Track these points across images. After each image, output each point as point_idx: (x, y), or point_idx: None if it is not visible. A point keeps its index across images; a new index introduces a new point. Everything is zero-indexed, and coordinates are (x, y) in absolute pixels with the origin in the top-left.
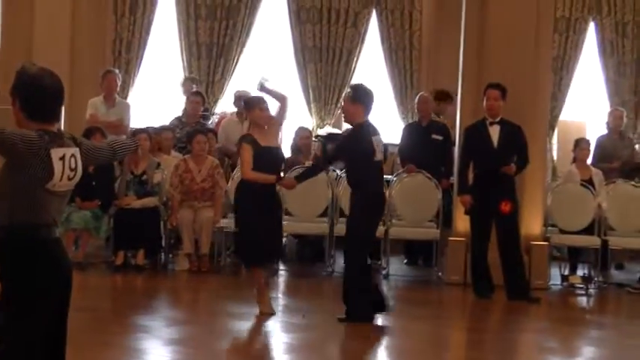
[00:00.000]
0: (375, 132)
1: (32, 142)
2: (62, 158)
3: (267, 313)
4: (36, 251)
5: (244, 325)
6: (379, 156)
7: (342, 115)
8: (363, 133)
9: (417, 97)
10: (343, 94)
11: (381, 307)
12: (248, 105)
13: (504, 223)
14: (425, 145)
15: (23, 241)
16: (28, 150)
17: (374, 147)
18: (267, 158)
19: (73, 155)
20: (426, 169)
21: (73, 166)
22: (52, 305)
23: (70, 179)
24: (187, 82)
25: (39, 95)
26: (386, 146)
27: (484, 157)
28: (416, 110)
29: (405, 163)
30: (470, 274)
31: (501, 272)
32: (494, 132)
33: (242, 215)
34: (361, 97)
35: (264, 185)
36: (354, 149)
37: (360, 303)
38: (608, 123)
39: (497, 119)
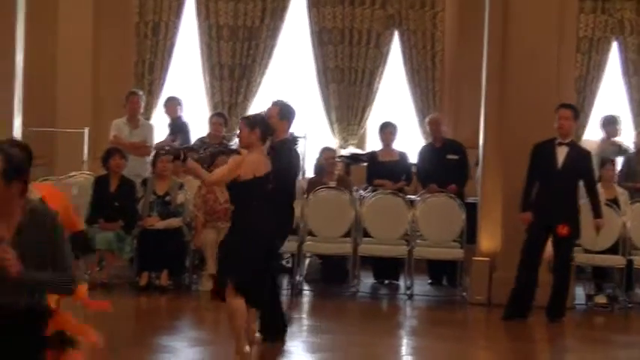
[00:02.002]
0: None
1: None
2: None
3: None
4: None
5: (269, 346)
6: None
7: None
8: (293, 149)
9: (428, 119)
10: (266, 109)
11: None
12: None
13: (559, 246)
14: (440, 166)
15: None
16: None
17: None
18: None
19: None
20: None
21: None
22: None
23: None
24: (214, 117)
25: None
26: (409, 166)
27: (547, 177)
28: (428, 132)
29: (424, 184)
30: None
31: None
32: (562, 153)
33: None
34: (289, 113)
35: None
36: (280, 166)
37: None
38: (635, 142)
39: (567, 140)
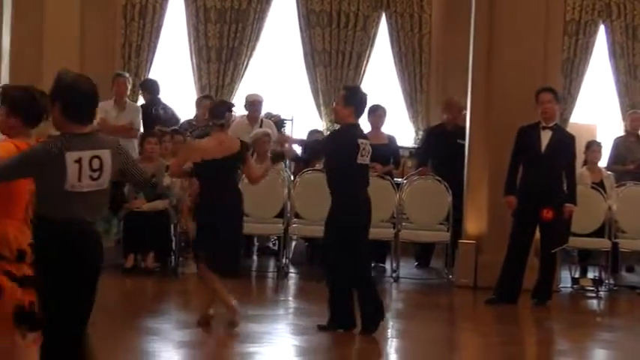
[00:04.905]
0: (362, 136)
1: (39, 156)
2: (78, 161)
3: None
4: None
5: (254, 328)
6: (364, 159)
7: (333, 114)
8: (349, 133)
9: (445, 101)
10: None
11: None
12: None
13: (546, 229)
14: (450, 150)
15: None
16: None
17: (359, 149)
18: None
19: (96, 157)
20: (451, 174)
21: (95, 167)
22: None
23: (93, 179)
24: (203, 100)
25: (77, 100)
26: (397, 150)
27: (531, 161)
28: (443, 114)
29: (421, 166)
30: (499, 274)
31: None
32: (545, 137)
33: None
34: (354, 99)
35: None
36: (336, 149)
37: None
38: (625, 125)
39: (552, 124)
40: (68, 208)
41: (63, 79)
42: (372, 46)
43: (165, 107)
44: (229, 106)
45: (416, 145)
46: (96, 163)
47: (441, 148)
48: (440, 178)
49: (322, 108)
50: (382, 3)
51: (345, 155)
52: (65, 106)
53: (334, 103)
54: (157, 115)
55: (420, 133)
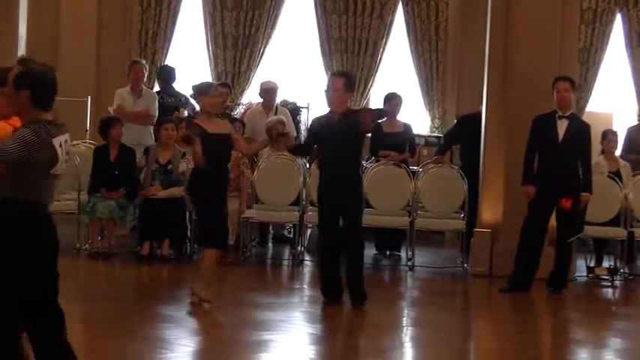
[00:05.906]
0: None
1: (33, 143)
2: (61, 145)
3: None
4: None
5: (269, 316)
6: None
7: (330, 101)
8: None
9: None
10: (331, 80)
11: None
12: (200, 91)
13: (563, 218)
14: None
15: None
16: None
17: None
18: (216, 144)
19: (66, 141)
20: (478, 164)
21: (66, 150)
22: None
23: (65, 162)
24: (219, 87)
25: (46, 88)
26: (413, 138)
27: (548, 150)
28: (480, 106)
29: (442, 150)
30: (513, 264)
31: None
32: (562, 126)
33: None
34: (352, 85)
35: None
36: (358, 133)
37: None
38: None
39: (568, 113)
40: (40, 190)
41: (33, 68)
42: (388, 33)
43: (174, 95)
44: (200, 89)
45: (431, 134)
46: (66, 147)
47: (472, 137)
48: (455, 167)
49: None
50: None
51: (360, 139)
52: (34, 93)
53: (331, 89)
54: (168, 105)
55: (436, 120)
